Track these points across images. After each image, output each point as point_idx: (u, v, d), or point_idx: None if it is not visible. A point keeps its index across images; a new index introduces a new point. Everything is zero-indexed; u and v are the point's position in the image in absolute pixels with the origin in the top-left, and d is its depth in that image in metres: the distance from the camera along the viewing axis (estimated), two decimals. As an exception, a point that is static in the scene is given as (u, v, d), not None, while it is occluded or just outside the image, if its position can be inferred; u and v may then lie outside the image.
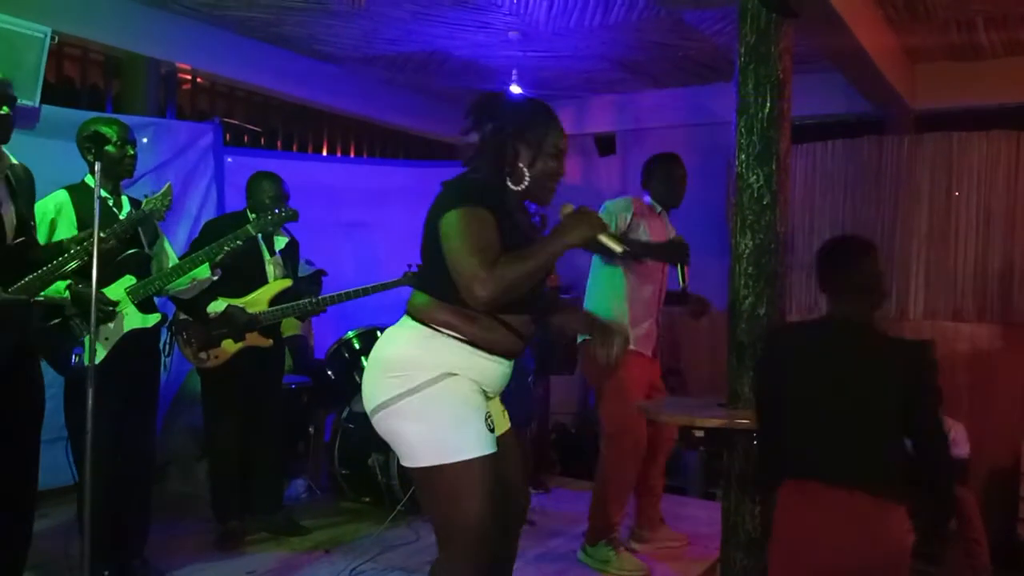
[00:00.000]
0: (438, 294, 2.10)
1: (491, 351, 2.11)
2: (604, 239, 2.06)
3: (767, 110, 3.06)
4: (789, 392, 2.41)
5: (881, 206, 5.74)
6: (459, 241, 1.98)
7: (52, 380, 2.97)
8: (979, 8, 4.58)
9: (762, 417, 2.56)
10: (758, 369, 2.73)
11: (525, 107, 2.20)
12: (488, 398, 2.18)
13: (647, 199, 3.82)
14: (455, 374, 2.08)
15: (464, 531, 2.03)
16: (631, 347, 3.56)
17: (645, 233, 3.67)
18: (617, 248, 2.10)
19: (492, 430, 2.09)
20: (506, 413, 2.32)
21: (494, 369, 2.15)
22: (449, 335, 2.08)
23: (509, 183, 2.13)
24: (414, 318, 2.12)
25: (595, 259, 3.77)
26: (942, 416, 2.39)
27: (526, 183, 2.13)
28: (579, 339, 3.75)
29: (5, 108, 2.76)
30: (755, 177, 3.07)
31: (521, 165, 2.12)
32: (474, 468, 2.03)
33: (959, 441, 4.93)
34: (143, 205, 3.15)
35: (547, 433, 6.06)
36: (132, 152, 3.25)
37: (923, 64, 5.61)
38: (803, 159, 5.93)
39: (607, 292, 3.70)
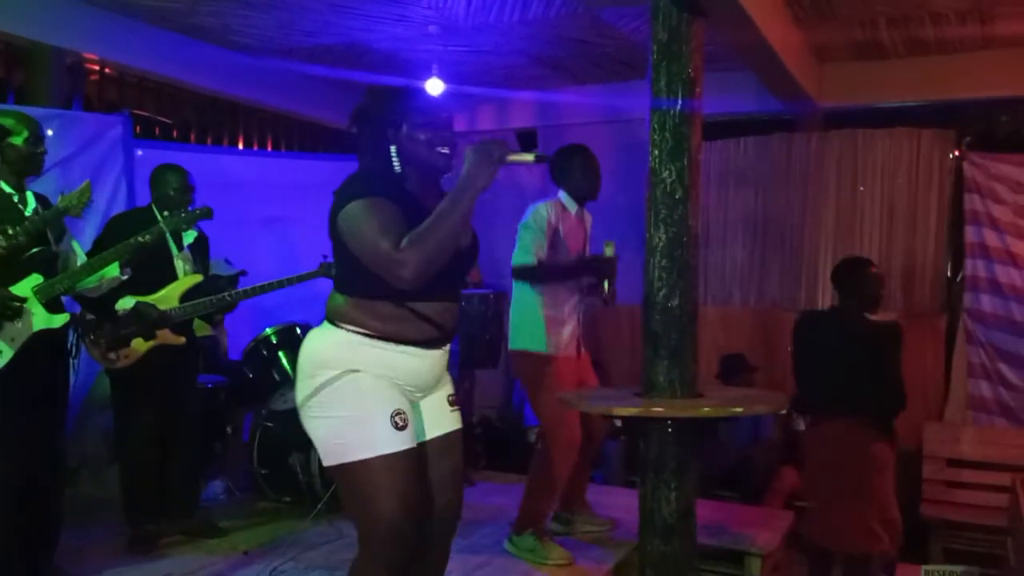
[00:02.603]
0: (347, 291, 2.12)
1: (401, 342, 2.10)
2: (513, 160, 2.07)
3: (679, 107, 3.14)
4: (809, 357, 3.83)
5: (791, 201, 5.95)
6: (363, 231, 1.99)
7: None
8: (881, 9, 4.78)
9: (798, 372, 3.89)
10: (794, 340, 3.92)
11: (381, 94, 2.23)
12: (416, 394, 2.17)
13: (561, 195, 3.77)
14: (357, 371, 2.07)
15: (374, 530, 2.02)
16: (556, 352, 3.65)
17: (563, 243, 3.68)
18: (530, 158, 2.11)
19: (402, 427, 2.06)
20: (456, 415, 2.30)
21: (407, 361, 2.12)
22: (353, 331, 2.09)
23: (396, 167, 2.16)
24: (327, 319, 2.15)
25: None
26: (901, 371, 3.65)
27: (404, 160, 2.15)
28: (510, 346, 3.77)
29: (42, 147, 3.04)
30: (668, 172, 3.14)
31: (395, 146, 2.15)
32: (378, 467, 2.01)
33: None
34: (59, 202, 3.05)
35: (472, 427, 6.09)
36: (42, 148, 3.15)
37: (830, 64, 5.82)
38: (716, 155, 6.09)
39: (527, 299, 3.70)
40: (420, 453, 2.15)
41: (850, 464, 3.61)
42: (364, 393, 2.06)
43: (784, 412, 5.11)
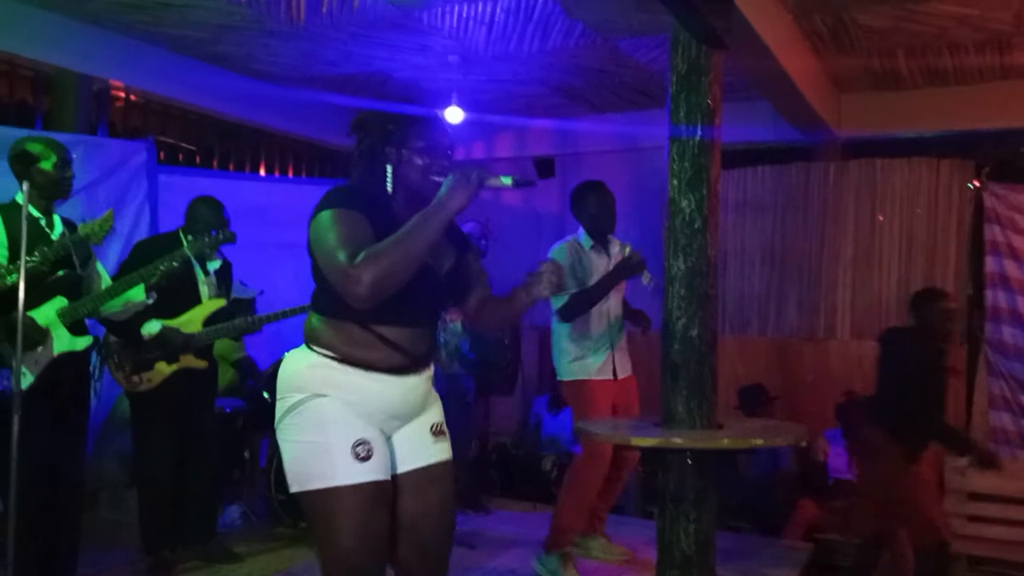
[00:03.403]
0: (319, 309, 2.07)
1: (368, 367, 2.00)
2: (492, 184, 1.98)
3: (698, 137, 3.16)
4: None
5: (809, 230, 5.94)
6: (324, 241, 1.91)
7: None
8: (900, 40, 4.79)
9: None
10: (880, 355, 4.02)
11: (387, 112, 2.16)
12: (390, 422, 2.05)
13: (580, 233, 3.97)
14: (324, 395, 1.98)
15: (332, 563, 1.96)
16: (588, 377, 3.86)
17: (587, 267, 3.88)
18: (507, 182, 2.01)
19: (364, 458, 1.95)
20: (441, 445, 2.16)
21: (375, 387, 2.01)
22: (322, 354, 2.01)
23: (388, 187, 2.08)
24: (304, 339, 2.09)
25: (552, 303, 3.92)
26: None
27: (398, 182, 2.08)
28: (558, 376, 4.00)
29: (70, 172, 3.08)
30: (687, 202, 3.16)
31: (388, 166, 2.08)
32: (336, 498, 1.92)
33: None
34: (79, 229, 3.10)
35: (487, 453, 6.07)
36: (70, 173, 3.20)
37: (849, 93, 5.83)
38: (733, 184, 6.10)
39: (557, 332, 3.96)
40: (390, 487, 2.03)
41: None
42: (327, 420, 1.97)
43: (804, 444, 5.07)
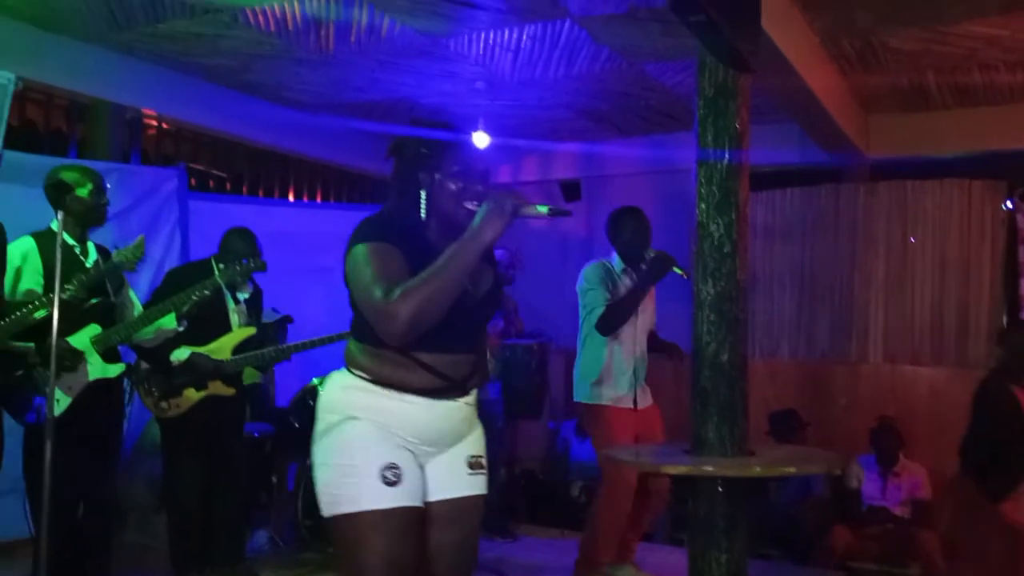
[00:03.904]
0: (357, 336, 2.04)
1: (403, 390, 1.96)
2: (527, 213, 1.91)
3: (726, 161, 3.13)
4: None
5: (839, 252, 5.87)
6: (359, 277, 1.88)
7: (8, 428, 2.91)
8: (929, 62, 4.76)
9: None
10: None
11: (423, 134, 2.09)
12: (424, 448, 2.00)
13: (612, 257, 3.94)
14: (356, 417, 1.95)
15: None
16: (607, 403, 3.81)
17: (619, 290, 3.84)
18: (543, 210, 1.93)
19: (393, 483, 1.90)
20: (476, 479, 2.09)
21: (409, 411, 1.96)
22: (359, 376, 1.99)
23: (422, 213, 2.02)
24: (344, 362, 2.07)
25: (581, 322, 3.89)
26: None
27: (431, 208, 2.01)
28: (574, 398, 3.94)
29: (105, 198, 3.11)
30: (715, 226, 3.13)
31: (422, 191, 2.02)
32: (362, 523, 1.88)
33: (920, 484, 5.02)
34: (113, 256, 3.14)
35: (515, 479, 6.03)
36: (105, 200, 3.25)
37: (877, 115, 5.79)
38: (762, 206, 6.06)
39: (582, 353, 3.91)
40: (420, 513, 1.98)
41: None
42: (357, 443, 1.93)
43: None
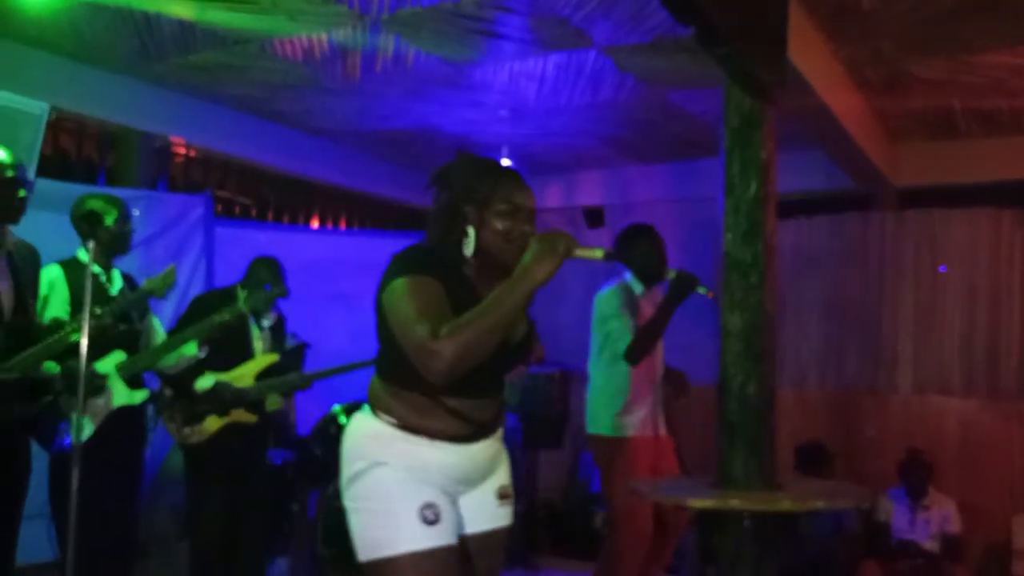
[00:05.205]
0: (384, 376, 1.99)
1: (432, 437, 1.92)
2: (580, 255, 1.87)
3: (752, 191, 3.11)
4: None
5: (867, 280, 5.80)
6: (403, 312, 1.81)
7: (36, 452, 2.93)
8: (955, 91, 4.72)
9: None
10: None
11: (470, 166, 2.02)
12: (456, 487, 1.98)
13: (627, 276, 3.79)
14: (385, 463, 1.91)
15: None
16: (632, 434, 3.64)
17: (640, 312, 3.69)
18: (599, 254, 1.90)
19: (433, 521, 1.87)
20: (505, 510, 2.09)
21: (438, 456, 1.93)
22: (386, 420, 1.94)
23: (467, 249, 1.95)
24: (368, 403, 2.03)
25: (592, 346, 3.78)
26: None
27: (477, 245, 1.94)
28: (589, 429, 3.76)
29: (23, 191, 2.85)
30: (742, 256, 3.10)
31: (470, 228, 1.94)
32: (404, 566, 1.84)
33: (950, 517, 4.91)
34: (144, 284, 3.17)
35: (536, 509, 5.97)
36: (129, 227, 3.29)
37: (904, 143, 5.75)
38: (789, 234, 6.00)
39: (599, 382, 3.75)
40: (457, 551, 1.94)
41: None
42: (391, 488, 1.89)
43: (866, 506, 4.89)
